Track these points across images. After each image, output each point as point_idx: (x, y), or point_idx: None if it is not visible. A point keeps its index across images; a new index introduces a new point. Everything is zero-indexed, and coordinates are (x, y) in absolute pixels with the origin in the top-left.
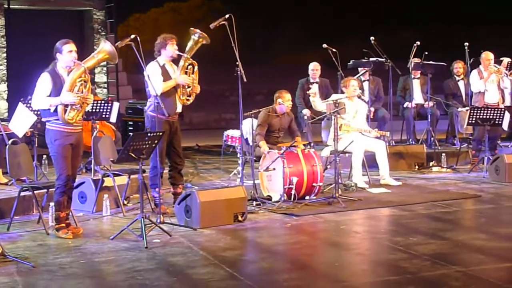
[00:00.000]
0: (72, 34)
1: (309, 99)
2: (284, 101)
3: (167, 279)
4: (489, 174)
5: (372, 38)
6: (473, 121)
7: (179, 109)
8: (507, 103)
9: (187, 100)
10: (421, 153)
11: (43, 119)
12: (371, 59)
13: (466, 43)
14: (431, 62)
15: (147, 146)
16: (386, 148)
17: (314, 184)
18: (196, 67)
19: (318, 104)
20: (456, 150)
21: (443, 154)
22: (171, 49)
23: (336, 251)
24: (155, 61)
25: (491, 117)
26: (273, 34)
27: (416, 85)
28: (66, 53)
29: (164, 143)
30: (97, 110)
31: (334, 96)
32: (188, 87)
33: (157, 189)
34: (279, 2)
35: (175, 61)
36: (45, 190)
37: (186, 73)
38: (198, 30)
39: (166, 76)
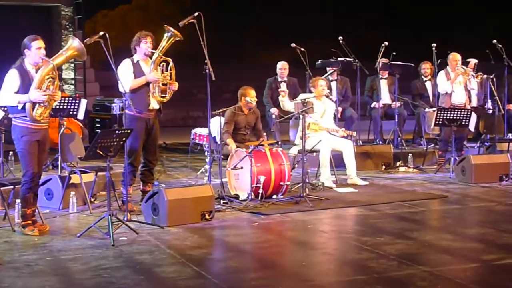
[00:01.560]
0: (40, 30)
1: (278, 98)
2: (250, 98)
3: (133, 277)
4: (455, 175)
5: (340, 37)
6: (440, 122)
7: (154, 105)
8: (474, 104)
9: (162, 97)
10: (388, 153)
11: (10, 115)
12: (339, 58)
13: (434, 44)
14: (398, 62)
15: (115, 143)
16: (353, 148)
17: (281, 183)
18: (170, 64)
19: (287, 104)
20: (422, 151)
21: (410, 154)
22: (144, 46)
23: (303, 250)
24: (129, 58)
25: (457, 118)
26: (241, 33)
27: (383, 85)
28: (35, 49)
29: (140, 141)
30: (65, 107)
31: (302, 96)
32: (164, 84)
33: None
34: (248, 0)
35: None
36: (12, 187)
37: (161, 70)
38: (171, 28)
39: (139, 73)
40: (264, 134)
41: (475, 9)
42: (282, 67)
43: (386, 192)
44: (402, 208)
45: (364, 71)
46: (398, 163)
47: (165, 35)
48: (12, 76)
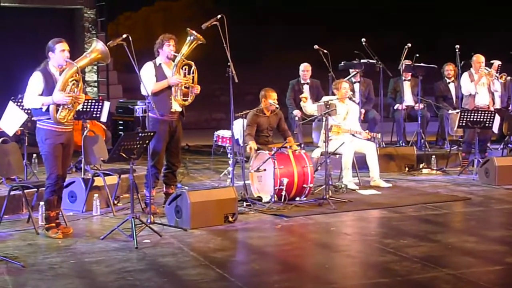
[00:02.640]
0: (63, 33)
1: (301, 104)
2: (272, 100)
3: (157, 280)
4: (479, 177)
5: (363, 39)
6: (464, 124)
7: (176, 108)
8: (497, 106)
9: (184, 100)
10: (411, 155)
11: (34, 118)
12: (362, 60)
13: (457, 46)
14: (422, 64)
15: (138, 146)
16: (376, 150)
17: (304, 185)
18: (193, 67)
19: (309, 108)
20: (446, 152)
21: (433, 156)
22: (167, 49)
23: (326, 252)
24: (152, 61)
25: (481, 119)
26: (264, 34)
27: (406, 87)
28: (59, 52)
29: (163, 143)
30: (88, 109)
31: (325, 98)
32: (186, 87)
33: (149, 188)
34: (270, 1)
35: None
36: (35, 189)
37: (184, 73)
38: (194, 32)
39: (161, 76)
40: (290, 134)
41: (499, 11)
42: (305, 69)
43: (409, 194)
44: (426, 210)
45: (387, 72)
46: (421, 165)
47: (188, 38)
48: (36, 79)
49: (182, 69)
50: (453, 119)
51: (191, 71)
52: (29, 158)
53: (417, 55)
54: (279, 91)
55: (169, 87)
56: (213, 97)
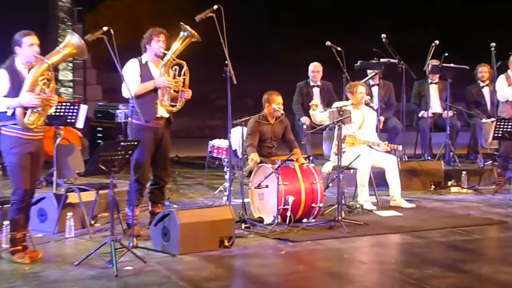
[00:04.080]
0: (33, 24)
1: (309, 106)
2: (277, 105)
3: None
4: None
5: (383, 35)
6: (500, 135)
7: (162, 114)
8: None
9: (172, 106)
10: (438, 171)
11: None
12: (381, 60)
13: (493, 44)
14: (451, 65)
15: (120, 157)
16: (397, 164)
17: (313, 204)
18: (185, 68)
19: (320, 116)
20: (479, 168)
21: (464, 172)
22: (156, 46)
23: (338, 283)
24: (137, 58)
25: None
26: (268, 29)
27: (433, 91)
28: (27, 46)
29: (147, 154)
30: (61, 114)
31: (338, 103)
32: (176, 91)
33: (134, 207)
34: None
35: None
36: None
37: (173, 75)
38: (188, 27)
39: (147, 76)
40: (297, 145)
41: None
42: (315, 69)
43: (435, 216)
44: (454, 235)
45: (410, 74)
46: (449, 183)
47: (181, 34)
48: (1, 78)
49: (172, 69)
50: (487, 129)
51: (182, 73)
52: None
53: (446, 54)
54: (285, 95)
55: (155, 90)
56: (207, 101)
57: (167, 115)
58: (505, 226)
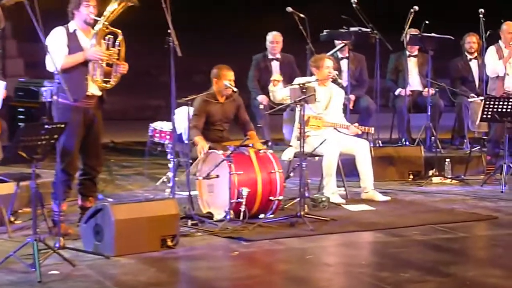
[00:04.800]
0: None
1: (267, 83)
2: (228, 81)
3: None
4: (509, 188)
5: (353, 0)
6: (489, 116)
7: (94, 91)
8: None
9: (106, 82)
10: (417, 158)
11: None
12: (351, 29)
13: (481, 10)
14: (433, 34)
15: (44, 142)
16: (370, 151)
17: (271, 197)
18: (120, 38)
19: (280, 94)
20: (465, 155)
21: (448, 159)
22: (86, 11)
23: None
24: (64, 26)
25: None
26: None
27: (412, 65)
28: None
29: (75, 139)
30: None
31: (300, 79)
32: (109, 64)
33: (60, 201)
34: None
35: None
36: None
37: (107, 45)
38: None
39: (75, 47)
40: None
41: None
42: (274, 39)
43: (414, 211)
44: (436, 233)
45: (386, 46)
46: (431, 172)
47: None
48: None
49: (104, 39)
50: (475, 109)
51: (117, 43)
52: None
53: (427, 22)
54: (239, 70)
55: (85, 64)
56: (147, 77)
57: (99, 93)
58: (494, 222)
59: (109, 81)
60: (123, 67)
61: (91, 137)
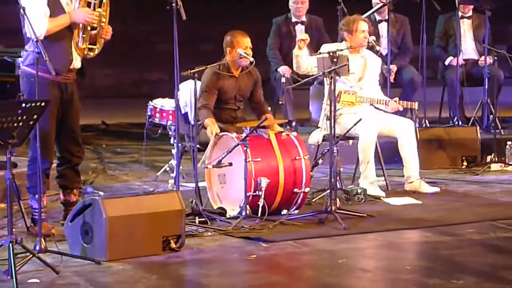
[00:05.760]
0: None
1: (291, 51)
2: (243, 50)
3: None
4: None
5: None
6: None
7: (76, 64)
8: None
9: (90, 50)
10: (473, 141)
11: None
12: None
13: None
14: None
15: (21, 124)
16: (415, 132)
17: (295, 190)
18: None
19: (305, 61)
20: None
21: (510, 142)
22: None
23: None
24: None
25: None
26: None
27: (466, 29)
28: None
29: (52, 120)
30: None
31: (330, 46)
32: (92, 28)
33: (37, 196)
34: None
35: None
36: None
37: (89, 5)
38: None
39: (58, 9)
40: (269, 108)
41: None
42: None
43: (468, 204)
44: (495, 231)
45: (433, 5)
46: (489, 157)
47: None
48: None
49: None
50: None
51: (102, 3)
52: None
53: None
54: (256, 37)
55: (69, 28)
56: (146, 45)
57: (79, 65)
58: None
59: (93, 49)
60: (107, 32)
61: (70, 117)
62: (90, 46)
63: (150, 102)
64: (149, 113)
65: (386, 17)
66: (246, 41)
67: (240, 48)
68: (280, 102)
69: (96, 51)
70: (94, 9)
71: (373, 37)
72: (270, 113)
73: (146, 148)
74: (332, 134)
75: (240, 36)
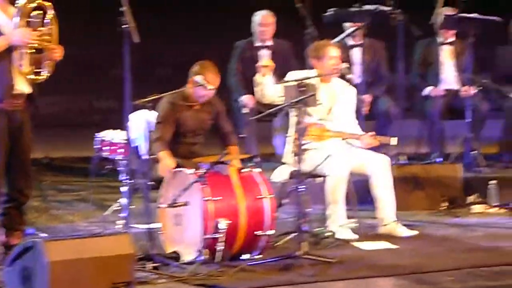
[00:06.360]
0: None
1: (254, 79)
2: (208, 82)
3: None
4: None
5: None
6: None
7: (22, 88)
8: None
9: (37, 74)
10: (454, 179)
11: None
12: (366, 7)
13: None
14: (474, 15)
15: None
16: (390, 170)
17: (258, 232)
18: (50, 13)
19: (270, 89)
20: None
21: (493, 181)
22: None
23: None
24: None
25: None
26: None
27: (446, 56)
28: None
29: (1, 150)
30: None
31: (296, 74)
32: (37, 50)
33: None
34: None
35: None
36: None
37: (31, 24)
38: None
39: None
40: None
41: None
42: (264, 21)
43: (447, 250)
44: (476, 279)
45: (411, 30)
46: (471, 198)
47: None
48: None
49: (30, 16)
50: None
51: (46, 20)
52: None
53: None
54: (216, 61)
55: (9, 51)
56: (94, 70)
57: (28, 90)
58: None
59: (40, 73)
60: (57, 53)
61: (18, 149)
62: (37, 70)
63: (97, 134)
64: (97, 146)
65: (360, 42)
66: (213, 76)
67: (208, 82)
68: (241, 135)
69: (46, 75)
70: (35, 29)
71: (345, 64)
72: (236, 146)
73: (94, 185)
74: (299, 171)
75: (210, 66)
